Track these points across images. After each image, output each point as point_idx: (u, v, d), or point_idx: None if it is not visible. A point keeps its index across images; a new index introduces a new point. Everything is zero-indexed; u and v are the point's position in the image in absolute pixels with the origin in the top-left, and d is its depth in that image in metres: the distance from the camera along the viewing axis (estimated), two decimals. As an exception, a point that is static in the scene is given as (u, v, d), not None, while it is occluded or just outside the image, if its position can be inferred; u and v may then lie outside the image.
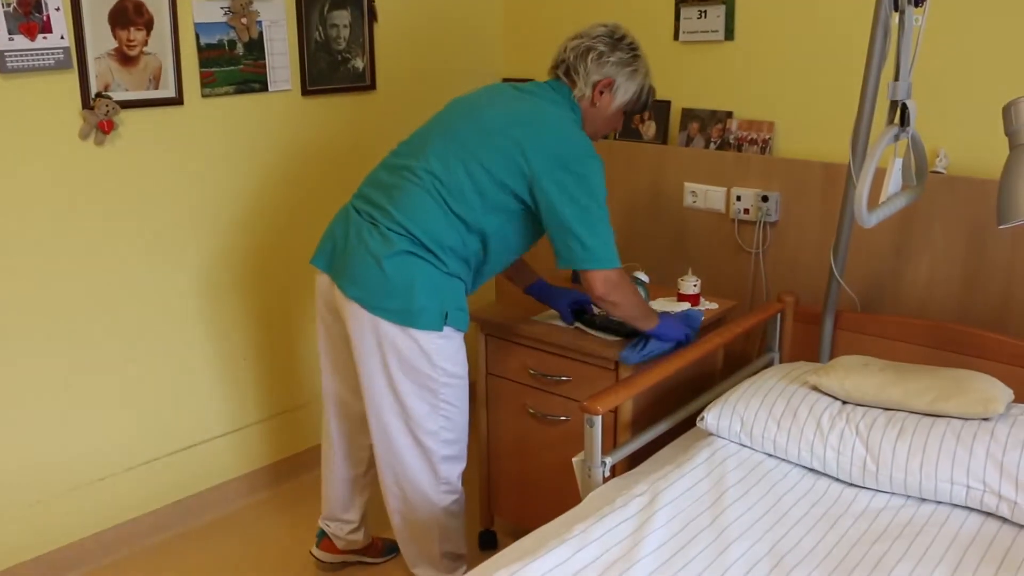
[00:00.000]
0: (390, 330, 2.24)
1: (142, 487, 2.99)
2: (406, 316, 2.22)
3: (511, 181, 2.21)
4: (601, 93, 2.33)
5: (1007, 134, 2.01)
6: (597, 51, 2.29)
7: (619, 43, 2.31)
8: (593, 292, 2.24)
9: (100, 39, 2.61)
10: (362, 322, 2.26)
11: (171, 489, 3.06)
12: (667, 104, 3.24)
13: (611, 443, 2.46)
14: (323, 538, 2.83)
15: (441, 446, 2.40)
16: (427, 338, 2.25)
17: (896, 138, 2.12)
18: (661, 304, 2.75)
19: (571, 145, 2.21)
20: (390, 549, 2.90)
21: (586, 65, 2.30)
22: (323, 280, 2.43)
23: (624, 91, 2.34)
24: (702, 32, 3.11)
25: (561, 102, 2.32)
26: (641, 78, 2.36)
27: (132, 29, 2.67)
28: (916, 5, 2.04)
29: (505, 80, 3.77)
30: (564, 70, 2.35)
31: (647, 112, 3.27)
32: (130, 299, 2.84)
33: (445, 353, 2.29)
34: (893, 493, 2.10)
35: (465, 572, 2.48)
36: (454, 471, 2.46)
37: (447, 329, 2.26)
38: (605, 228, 2.21)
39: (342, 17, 3.19)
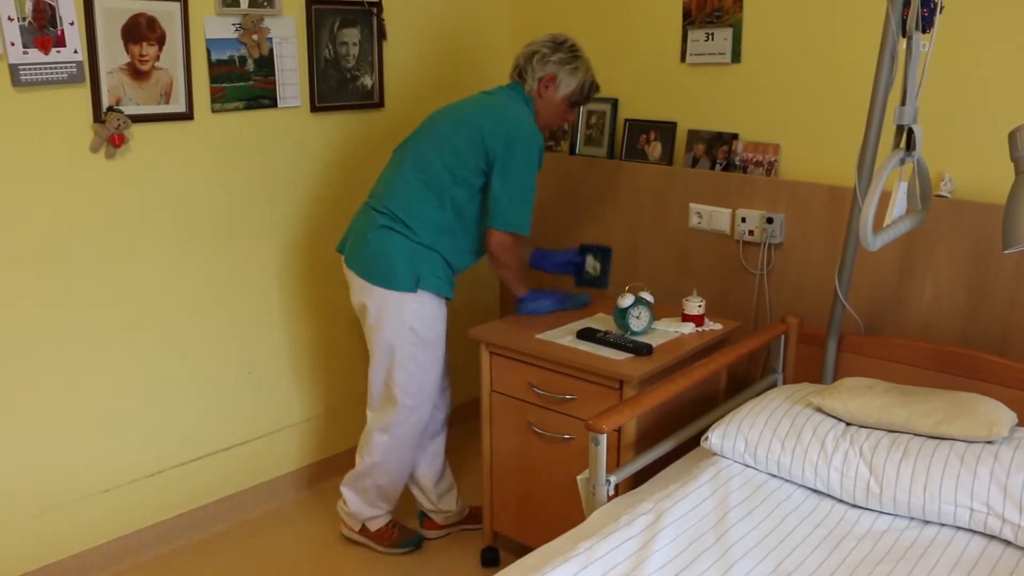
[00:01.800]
0: (375, 291, 2.70)
1: (147, 498, 2.99)
2: (385, 279, 2.69)
3: (473, 158, 2.66)
4: (546, 87, 2.76)
5: (1013, 159, 2.02)
6: (540, 53, 2.75)
7: (560, 46, 2.75)
8: (489, 247, 2.73)
9: (113, 54, 2.63)
10: (359, 288, 2.74)
11: (177, 500, 3.07)
12: (673, 125, 3.26)
13: (614, 462, 2.46)
14: (424, 518, 3.13)
15: (403, 395, 2.80)
16: (402, 299, 2.69)
17: (902, 162, 2.13)
18: (666, 324, 2.76)
19: (518, 130, 2.66)
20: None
21: (532, 65, 2.76)
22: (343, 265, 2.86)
23: (566, 85, 2.76)
24: (709, 54, 3.13)
25: (516, 97, 2.77)
26: (581, 75, 2.77)
27: (144, 44, 2.70)
28: (923, 31, 2.06)
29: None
30: (517, 72, 2.80)
31: (651, 132, 3.30)
32: (136, 311, 2.85)
33: (418, 315, 2.72)
34: (897, 515, 2.10)
35: (387, 513, 3.04)
36: (409, 418, 2.85)
37: (421, 293, 2.70)
38: (524, 200, 2.67)
39: (352, 35, 3.22)
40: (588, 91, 2.81)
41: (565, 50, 2.74)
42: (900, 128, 2.12)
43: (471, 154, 2.66)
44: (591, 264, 2.97)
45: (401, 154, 2.78)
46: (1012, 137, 2.01)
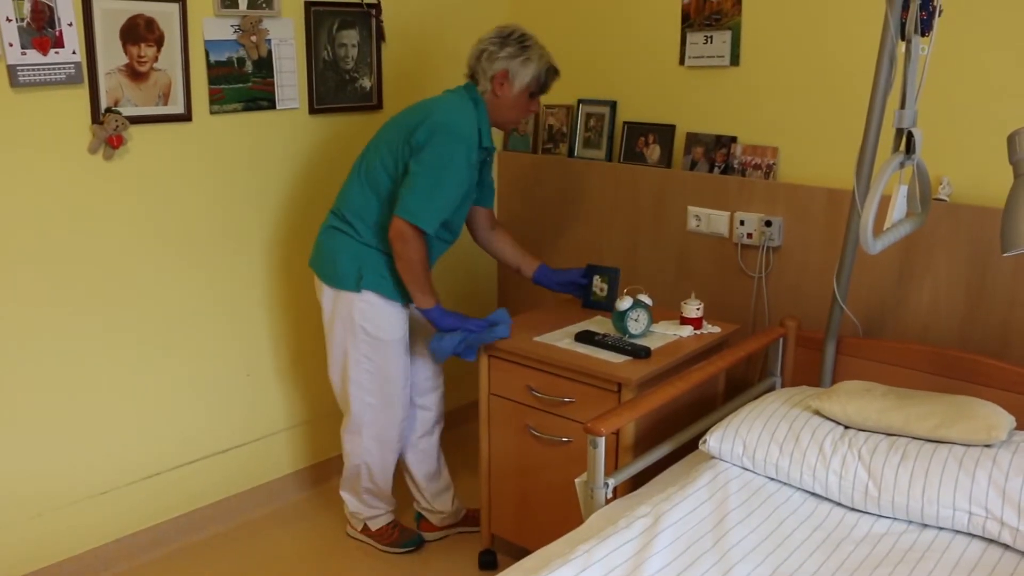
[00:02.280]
0: (327, 291, 2.76)
1: (145, 500, 2.98)
2: (332, 278, 2.74)
3: (402, 154, 2.63)
4: (501, 84, 2.68)
5: (1012, 163, 2.02)
6: (488, 51, 2.67)
7: (507, 39, 2.67)
8: (389, 233, 2.61)
9: (111, 55, 2.63)
10: (317, 286, 2.82)
11: (175, 502, 3.06)
12: (672, 128, 3.26)
13: (612, 465, 2.46)
14: (420, 519, 3.13)
15: (363, 393, 2.82)
16: (350, 298, 2.71)
17: (901, 165, 2.13)
18: (664, 327, 2.76)
19: (445, 123, 2.59)
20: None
21: (481, 64, 2.69)
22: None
23: (520, 78, 2.68)
24: (708, 57, 3.14)
25: (462, 96, 2.70)
26: (535, 64, 2.68)
27: (143, 45, 2.69)
28: (922, 34, 2.06)
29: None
30: (470, 73, 2.74)
31: (650, 135, 3.30)
32: (134, 312, 2.85)
33: (366, 315, 2.72)
34: (895, 519, 2.10)
35: (388, 512, 3.06)
36: (377, 419, 2.86)
37: (366, 292, 2.70)
38: (431, 193, 2.57)
39: (351, 37, 3.22)
40: (546, 78, 2.73)
41: (513, 43, 2.66)
42: (899, 131, 2.12)
43: (401, 149, 2.64)
44: (598, 285, 2.95)
45: (362, 159, 2.79)
46: (1011, 140, 2.01)
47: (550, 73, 2.74)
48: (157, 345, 2.92)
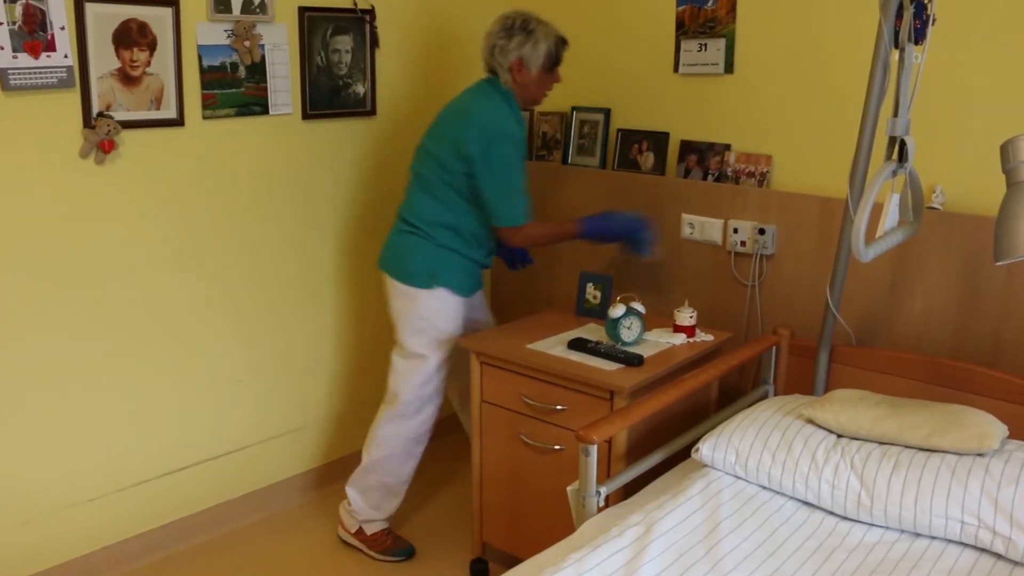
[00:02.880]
0: (399, 287, 2.87)
1: (135, 507, 2.96)
2: (406, 277, 2.86)
3: (456, 166, 2.77)
4: (519, 71, 2.79)
5: (1004, 171, 2.02)
6: (497, 47, 2.79)
7: (511, 30, 2.78)
8: (510, 242, 2.85)
9: (103, 59, 2.62)
10: (387, 285, 2.93)
11: (166, 509, 3.04)
12: (665, 136, 3.26)
13: (605, 473, 2.45)
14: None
15: (417, 388, 2.92)
16: (423, 294, 2.84)
17: (894, 174, 2.13)
18: (657, 335, 2.75)
19: (490, 130, 2.73)
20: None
21: (496, 59, 2.80)
22: None
23: (534, 60, 2.79)
24: (702, 65, 3.14)
25: (492, 92, 2.82)
26: (544, 44, 2.78)
27: (136, 50, 2.68)
28: (916, 43, 2.06)
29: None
30: (488, 68, 2.86)
31: (644, 143, 3.30)
32: (126, 318, 2.83)
33: (435, 309, 2.86)
34: (887, 527, 2.09)
35: (384, 529, 3.08)
36: (423, 409, 2.96)
37: (438, 289, 2.84)
38: (512, 193, 2.76)
39: (344, 42, 3.22)
40: (558, 52, 2.84)
41: (518, 31, 2.77)
42: (892, 140, 2.12)
43: (453, 163, 2.76)
44: (591, 292, 2.95)
45: (416, 169, 2.92)
46: (1004, 149, 2.01)
47: (559, 45, 2.84)
48: (148, 351, 2.90)
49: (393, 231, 2.95)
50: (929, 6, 2.05)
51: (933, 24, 2.06)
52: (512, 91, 2.82)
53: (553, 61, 2.83)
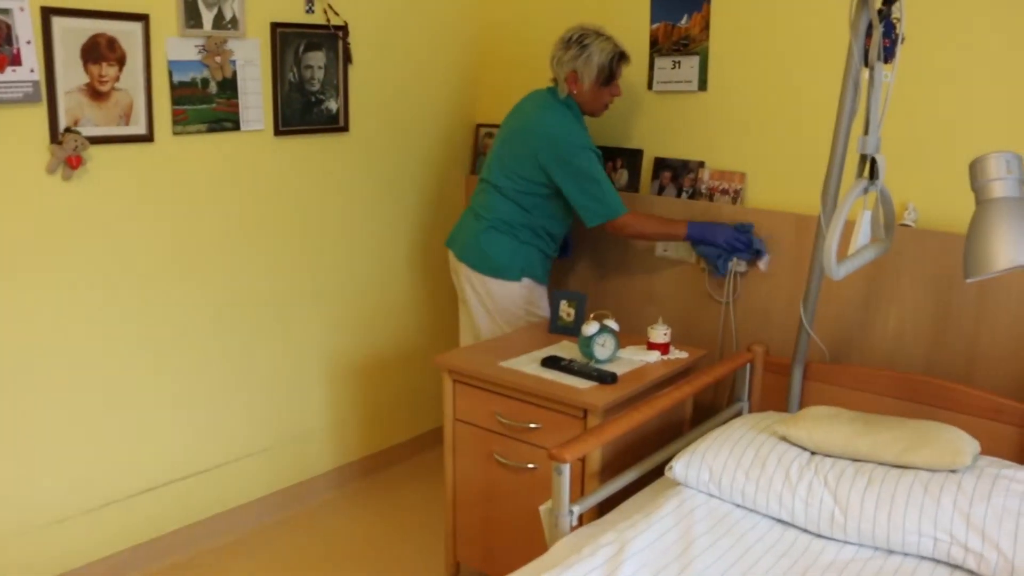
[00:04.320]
0: (484, 279, 3.08)
1: (103, 527, 2.91)
2: (493, 270, 3.06)
3: (535, 176, 2.97)
4: (575, 83, 2.96)
5: (973, 189, 2.03)
6: (556, 58, 2.97)
7: (568, 43, 2.94)
8: (619, 236, 3.05)
9: (71, 74, 2.59)
10: (468, 276, 3.12)
11: (136, 530, 2.99)
12: (639, 153, 3.27)
13: (579, 491, 2.43)
14: None
15: None
16: (509, 284, 3.08)
17: (865, 191, 2.14)
18: (631, 352, 2.74)
19: (559, 141, 2.92)
20: None
21: (555, 70, 2.99)
22: (449, 254, 3.25)
23: (587, 74, 2.94)
24: (676, 82, 3.14)
25: (553, 103, 3.01)
26: (597, 58, 2.92)
27: (104, 65, 2.66)
28: (885, 61, 2.07)
29: (479, 125, 3.79)
30: (553, 79, 3.03)
31: (618, 160, 3.30)
32: (90, 337, 2.79)
33: (524, 296, 3.10)
34: (861, 545, 2.09)
35: None
36: None
37: (525, 280, 3.09)
38: (604, 190, 2.91)
39: (317, 58, 3.20)
40: (613, 66, 2.95)
41: (574, 44, 2.92)
42: (863, 157, 2.12)
43: (532, 173, 2.97)
44: (565, 310, 2.94)
45: (484, 174, 3.12)
46: (972, 167, 2.02)
47: (615, 60, 2.95)
48: (112, 370, 2.86)
49: (477, 230, 3.08)
50: (898, 25, 2.06)
51: (902, 43, 2.07)
52: (574, 100, 2.99)
53: (607, 76, 2.95)
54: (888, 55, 2.08)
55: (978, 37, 2.50)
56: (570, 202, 2.95)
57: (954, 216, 2.61)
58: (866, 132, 2.11)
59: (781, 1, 2.87)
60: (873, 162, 2.09)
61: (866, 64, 2.13)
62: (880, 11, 2.06)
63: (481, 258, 3.08)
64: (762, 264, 2.96)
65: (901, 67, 2.59)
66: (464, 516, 2.81)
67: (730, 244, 2.92)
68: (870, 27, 2.09)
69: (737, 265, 2.98)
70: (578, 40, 2.92)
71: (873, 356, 2.78)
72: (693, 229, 2.94)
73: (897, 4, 2.05)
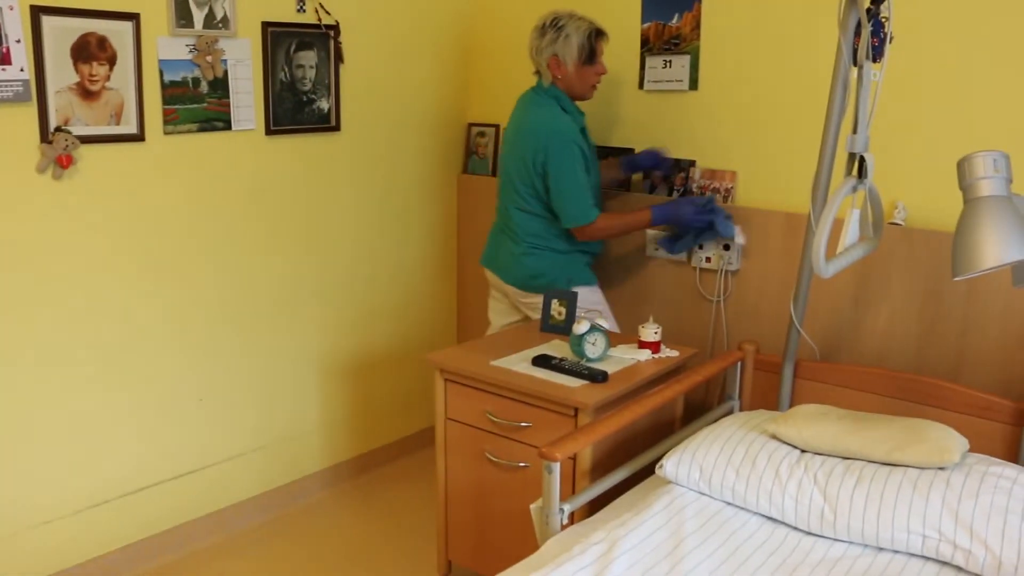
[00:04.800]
0: (537, 298, 3.04)
1: (90, 529, 2.91)
2: (544, 288, 3.00)
3: (535, 182, 2.92)
4: (557, 67, 2.91)
5: (961, 188, 2.04)
6: (534, 48, 2.93)
7: (543, 29, 2.90)
8: (583, 240, 2.97)
9: (61, 73, 2.58)
10: (520, 298, 3.09)
11: (123, 531, 2.99)
12: (631, 152, 3.27)
13: (570, 490, 2.43)
14: None
15: None
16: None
17: (854, 190, 2.15)
18: (622, 351, 2.74)
19: (547, 139, 2.86)
20: None
21: (535, 59, 2.94)
22: (488, 272, 3.21)
23: (568, 55, 2.89)
24: (667, 81, 3.15)
25: (540, 98, 2.96)
26: (575, 37, 2.87)
27: (95, 64, 2.65)
28: (874, 61, 2.08)
29: (471, 125, 3.79)
30: (535, 71, 2.99)
31: (609, 159, 3.30)
32: (80, 337, 2.78)
33: (580, 302, 3.01)
34: (851, 542, 2.09)
35: None
36: None
37: (575, 287, 3.01)
38: (572, 193, 2.86)
39: (308, 58, 3.20)
40: (593, 43, 2.90)
41: (549, 29, 2.88)
42: (852, 156, 2.13)
43: (534, 179, 2.92)
44: (556, 309, 2.93)
45: (504, 192, 3.06)
46: (960, 166, 2.03)
47: (593, 37, 2.90)
48: (103, 369, 2.86)
49: (516, 253, 3.03)
50: (887, 25, 2.07)
51: (891, 42, 2.08)
52: (560, 89, 2.93)
53: (588, 53, 2.89)
54: (877, 54, 2.08)
55: (968, 36, 2.51)
56: (552, 200, 2.91)
57: (943, 215, 2.62)
58: (855, 131, 2.12)
59: (772, 1, 2.88)
60: (862, 160, 2.10)
61: (855, 63, 2.13)
62: (869, 10, 2.06)
63: (528, 280, 3.03)
64: (738, 238, 2.96)
65: (890, 66, 2.60)
66: (456, 515, 2.81)
67: (697, 212, 2.91)
68: (859, 26, 2.10)
69: (707, 248, 3.02)
70: (552, 24, 2.89)
71: (863, 354, 2.79)
72: (657, 213, 2.93)
73: (886, 3, 2.05)
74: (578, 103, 3.00)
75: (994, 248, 1.96)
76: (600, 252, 3.13)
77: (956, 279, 2.06)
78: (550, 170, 2.86)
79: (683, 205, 2.92)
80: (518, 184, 2.95)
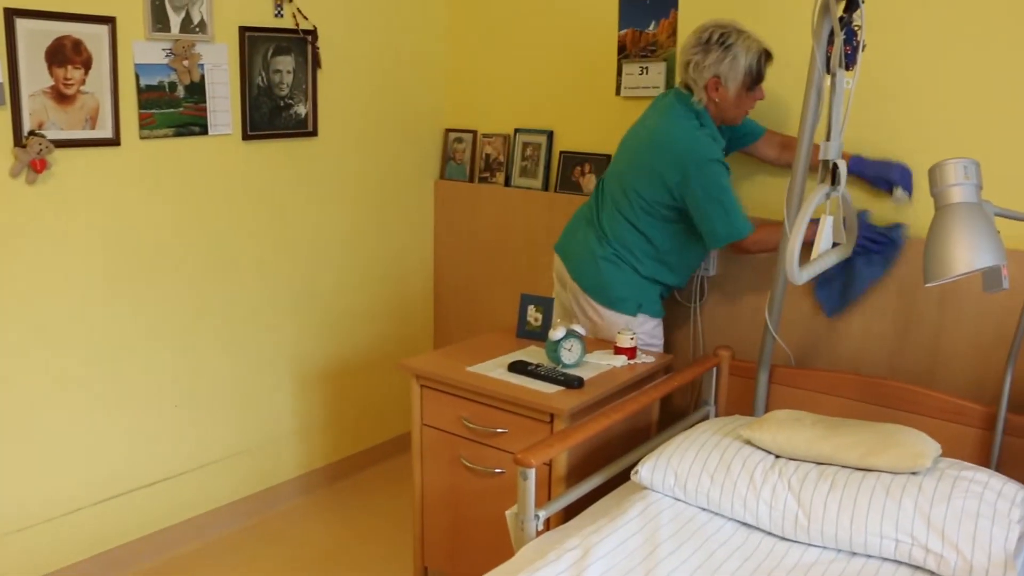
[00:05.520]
0: (600, 309, 2.87)
1: (65, 537, 2.88)
2: (609, 302, 2.84)
3: (659, 197, 2.69)
4: (716, 90, 2.62)
5: (932, 195, 2.06)
6: (694, 62, 2.62)
7: (709, 44, 2.59)
8: (747, 255, 2.83)
9: (35, 76, 2.57)
10: (582, 298, 2.90)
11: (93, 540, 2.96)
12: (607, 158, 3.28)
13: (546, 496, 2.43)
14: None
15: None
16: (623, 318, 2.85)
17: (827, 196, 2.16)
18: (598, 357, 2.75)
19: (686, 157, 2.61)
20: None
21: (691, 75, 2.64)
22: (556, 259, 3.02)
23: (733, 78, 2.60)
24: (643, 88, 3.16)
25: (685, 112, 2.68)
26: (743, 59, 2.58)
27: (70, 67, 2.64)
28: (847, 68, 2.10)
29: (448, 130, 3.79)
30: (683, 84, 2.70)
31: (586, 165, 3.32)
32: (55, 343, 2.76)
33: (636, 327, 2.86)
34: (825, 547, 2.11)
35: None
36: None
37: (640, 316, 2.86)
38: (726, 209, 2.61)
39: (286, 63, 3.19)
40: (760, 67, 2.62)
41: (715, 46, 2.58)
42: (825, 163, 2.15)
43: (655, 193, 2.69)
44: (532, 314, 2.94)
45: (607, 183, 2.85)
46: (931, 173, 2.05)
47: (762, 59, 2.62)
48: (79, 376, 2.84)
49: (597, 255, 2.83)
50: (859, 33, 2.08)
51: (863, 50, 2.10)
52: (708, 109, 2.67)
53: (754, 78, 2.62)
54: (850, 62, 2.10)
55: (939, 44, 2.54)
56: (694, 221, 2.68)
57: (915, 221, 2.65)
58: (828, 138, 2.14)
59: (747, 8, 2.89)
60: (835, 167, 2.12)
61: (828, 71, 2.15)
62: (841, 18, 2.08)
63: (598, 286, 2.85)
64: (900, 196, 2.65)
65: (863, 74, 2.62)
66: (432, 521, 2.80)
67: (863, 244, 2.63)
68: (832, 34, 2.11)
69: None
70: (720, 40, 2.57)
71: (838, 360, 2.81)
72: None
73: (858, 12, 2.07)
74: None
75: (965, 254, 1.99)
76: (676, 290, 2.98)
77: (928, 285, 2.08)
78: (695, 192, 2.61)
79: (860, 220, 2.60)
80: (632, 192, 2.73)
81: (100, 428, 2.92)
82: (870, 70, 2.62)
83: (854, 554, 2.08)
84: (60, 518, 2.86)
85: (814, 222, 2.29)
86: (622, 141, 2.85)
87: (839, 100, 2.11)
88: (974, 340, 2.57)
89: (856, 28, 2.08)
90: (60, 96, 2.64)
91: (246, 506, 3.39)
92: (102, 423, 2.92)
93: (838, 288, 2.76)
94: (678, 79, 2.72)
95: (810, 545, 2.12)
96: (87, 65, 2.68)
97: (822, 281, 2.71)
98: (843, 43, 2.07)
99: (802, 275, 2.12)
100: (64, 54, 2.62)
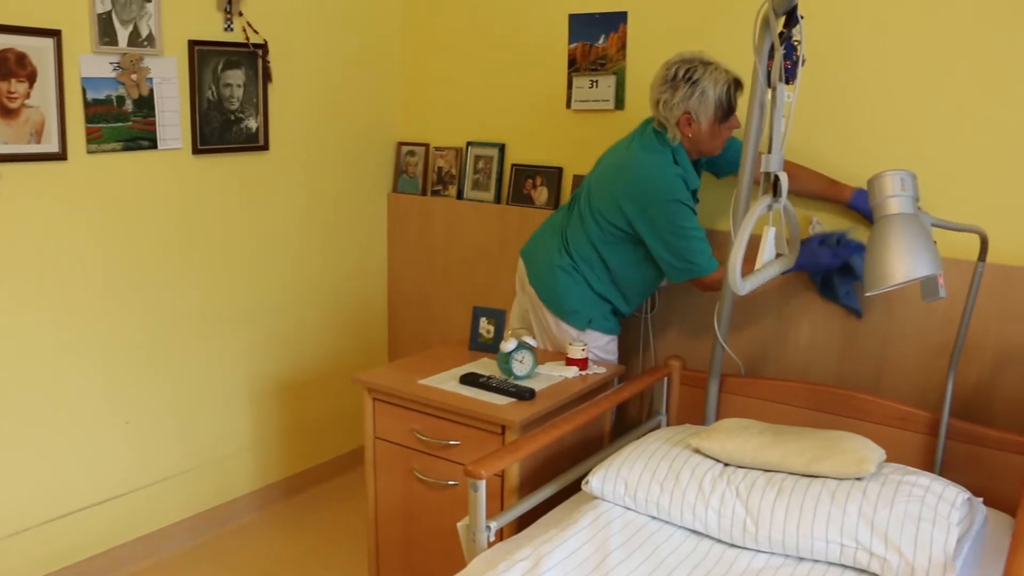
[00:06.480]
0: (551, 317, 2.88)
1: (16, 555, 2.83)
2: (561, 312, 2.85)
3: (616, 221, 2.69)
4: (688, 126, 2.58)
5: (871, 206, 2.11)
6: (663, 100, 2.57)
7: (676, 81, 2.54)
8: (710, 292, 2.74)
9: (-22, 91, 2.54)
10: (537, 306, 2.91)
11: (39, 562, 2.92)
12: (559, 171, 3.31)
13: (499, 507, 2.44)
14: None
15: None
16: (574, 331, 2.86)
17: (769, 208, 2.20)
18: (550, 368, 2.76)
19: (648, 190, 2.60)
20: None
21: (662, 113, 2.60)
22: (520, 263, 3.01)
23: (704, 113, 2.56)
24: (593, 101, 3.19)
25: (658, 147, 2.63)
26: (712, 93, 2.53)
27: (13, 81, 2.61)
28: (787, 83, 2.13)
29: (401, 144, 3.80)
30: (657, 123, 2.66)
31: (538, 177, 3.34)
32: (6, 359, 2.72)
33: (593, 344, 2.87)
34: (772, 553, 2.13)
35: None
36: None
37: (591, 331, 2.86)
38: (691, 247, 2.60)
39: (236, 77, 3.18)
40: (730, 98, 2.56)
41: (682, 83, 2.53)
42: (767, 175, 2.18)
43: (612, 216, 2.69)
44: (484, 327, 2.94)
45: (580, 200, 2.83)
46: (871, 184, 2.10)
47: (731, 90, 2.56)
48: (24, 393, 2.79)
49: (555, 264, 2.83)
50: (799, 47, 2.13)
51: (803, 65, 2.14)
52: (683, 145, 2.63)
53: (726, 110, 2.56)
54: (790, 76, 2.14)
55: (875, 55, 2.60)
56: (653, 254, 2.68)
57: (861, 230, 2.69)
58: (769, 150, 2.17)
59: (695, 24, 2.94)
60: (776, 179, 2.15)
61: (769, 85, 2.19)
62: (781, 34, 2.12)
63: (551, 295, 2.85)
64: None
65: (804, 87, 2.67)
66: (385, 534, 2.80)
67: (831, 266, 2.61)
68: (773, 49, 2.15)
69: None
70: (686, 76, 2.52)
71: (788, 368, 2.85)
72: (801, 258, 2.59)
73: (797, 27, 2.11)
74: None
75: (903, 264, 2.03)
76: (627, 314, 2.92)
77: (868, 294, 2.13)
78: (649, 228, 2.62)
79: (818, 249, 2.60)
80: (595, 210, 2.72)
81: (48, 447, 2.87)
82: (814, 84, 2.68)
83: (801, 559, 2.11)
84: (5, 539, 2.81)
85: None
86: (603, 155, 2.84)
87: (779, 113, 2.15)
88: (918, 348, 2.62)
89: (796, 43, 2.12)
90: (4, 110, 2.61)
91: (200, 522, 3.35)
92: (50, 441, 2.88)
93: (854, 291, 2.71)
94: (653, 115, 2.67)
95: (758, 551, 2.15)
96: (32, 79, 2.65)
97: (844, 293, 2.69)
98: (783, 58, 2.11)
99: (745, 285, 2.15)
100: (7, 67, 2.59)
